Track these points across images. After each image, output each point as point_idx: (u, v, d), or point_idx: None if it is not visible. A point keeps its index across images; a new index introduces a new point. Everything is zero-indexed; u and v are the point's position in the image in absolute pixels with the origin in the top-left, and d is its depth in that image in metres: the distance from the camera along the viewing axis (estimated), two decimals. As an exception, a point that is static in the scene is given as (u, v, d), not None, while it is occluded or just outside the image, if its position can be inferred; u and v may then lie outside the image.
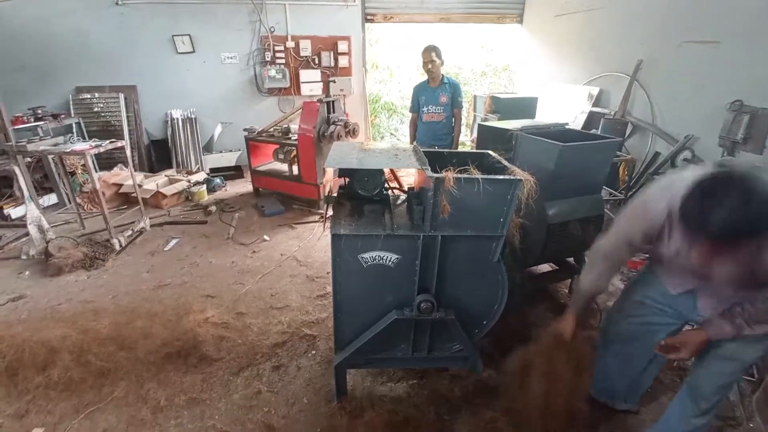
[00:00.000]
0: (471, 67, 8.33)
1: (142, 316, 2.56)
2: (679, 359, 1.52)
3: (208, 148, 5.70)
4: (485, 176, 1.54)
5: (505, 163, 1.81)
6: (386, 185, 2.05)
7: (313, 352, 2.35)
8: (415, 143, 2.85)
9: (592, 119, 4.54)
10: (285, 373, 2.19)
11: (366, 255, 1.68)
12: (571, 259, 2.82)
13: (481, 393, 1.91)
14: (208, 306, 2.71)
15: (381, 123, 8.61)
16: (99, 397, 2.00)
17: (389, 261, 1.70)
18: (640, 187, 3.68)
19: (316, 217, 4.24)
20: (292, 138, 4.38)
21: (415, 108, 3.68)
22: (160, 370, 2.17)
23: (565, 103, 4.88)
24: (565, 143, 2.19)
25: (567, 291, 2.90)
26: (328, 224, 3.94)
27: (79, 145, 3.17)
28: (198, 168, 5.35)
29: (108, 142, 3.34)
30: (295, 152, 4.40)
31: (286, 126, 4.52)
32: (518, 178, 1.57)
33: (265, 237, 3.78)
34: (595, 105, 4.54)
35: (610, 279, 1.63)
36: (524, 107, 4.57)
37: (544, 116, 4.72)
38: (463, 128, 4.18)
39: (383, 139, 8.40)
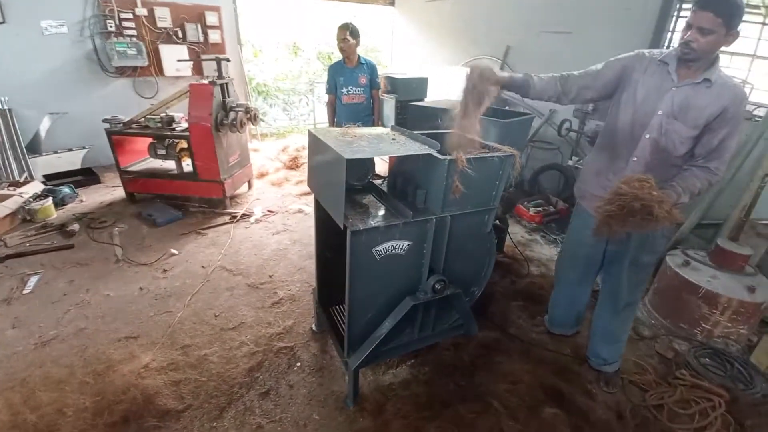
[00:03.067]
0: (342, 47, 8.27)
1: (40, 387, 1.86)
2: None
3: (34, 148, 4.23)
4: (490, 154, 1.64)
5: (479, 139, 1.93)
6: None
7: (298, 364, 2.12)
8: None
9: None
10: (278, 396, 1.93)
11: (380, 247, 1.60)
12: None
13: (486, 352, 2.07)
14: (136, 350, 2.13)
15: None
16: None
17: (401, 249, 1.66)
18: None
19: (227, 218, 3.69)
20: (178, 128, 3.64)
21: (332, 89, 3.50)
22: (109, 447, 1.64)
23: (447, 83, 5.37)
24: (503, 120, 2.46)
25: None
26: (245, 223, 3.51)
27: None
28: (26, 177, 3.94)
29: None
30: (185, 145, 3.68)
31: (164, 114, 3.71)
32: (512, 153, 1.71)
33: (173, 251, 3.11)
34: (473, 84, 5.13)
35: (544, 88, 1.73)
36: (417, 87, 4.85)
37: (432, 96, 5.11)
38: None
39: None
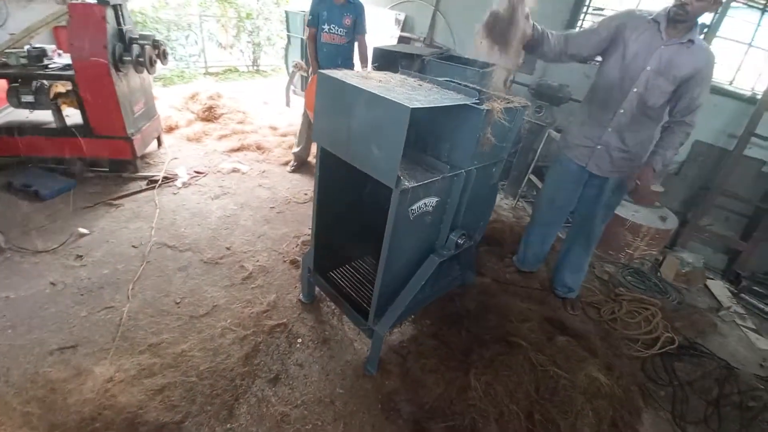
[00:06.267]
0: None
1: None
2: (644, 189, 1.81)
3: None
4: (515, 104, 1.59)
5: (478, 88, 1.86)
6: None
7: (299, 341, 1.94)
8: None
9: (401, 43, 4.95)
10: (290, 379, 1.75)
11: (415, 206, 1.48)
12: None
13: (485, 298, 2.17)
14: (81, 362, 1.66)
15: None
16: None
17: (430, 206, 1.56)
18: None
19: (143, 183, 2.99)
20: (54, 66, 2.68)
21: (315, 22, 2.95)
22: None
23: (375, 26, 5.04)
24: (481, 69, 2.42)
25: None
26: (170, 188, 2.90)
27: None
28: None
29: None
30: (62, 89, 2.75)
31: (30, 46, 2.67)
32: (526, 103, 1.69)
33: (81, 230, 2.41)
34: (403, 30, 4.93)
35: (553, 46, 1.76)
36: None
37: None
38: None
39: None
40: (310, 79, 3.02)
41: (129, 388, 1.55)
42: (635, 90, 1.79)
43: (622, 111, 1.85)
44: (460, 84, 1.61)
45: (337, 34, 2.98)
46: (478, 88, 1.81)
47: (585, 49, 1.85)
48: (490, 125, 1.50)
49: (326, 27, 2.95)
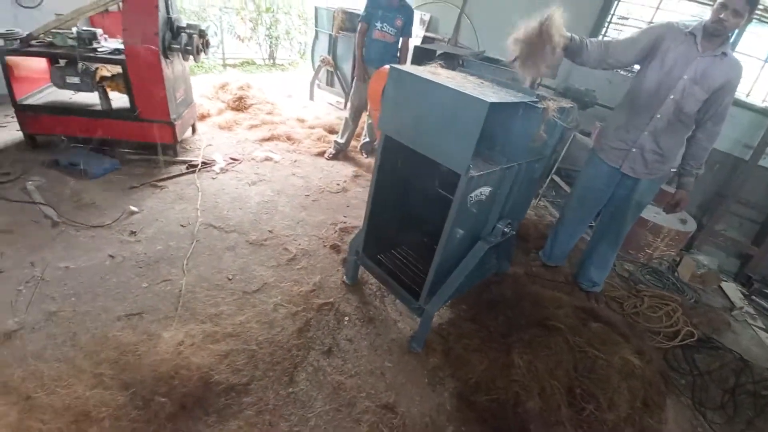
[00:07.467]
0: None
1: (35, 390, 1.42)
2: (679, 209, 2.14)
3: None
4: (571, 103, 1.71)
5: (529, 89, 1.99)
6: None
7: (347, 318, 2.05)
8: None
9: (425, 43, 5.07)
10: (341, 352, 1.86)
11: (473, 193, 1.60)
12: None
13: (519, 286, 2.29)
14: (149, 328, 1.78)
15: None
16: None
17: (483, 194, 1.68)
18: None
19: (182, 167, 3.09)
20: (102, 50, 2.78)
21: (368, 18, 3.21)
22: (179, 436, 1.40)
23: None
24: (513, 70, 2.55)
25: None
26: (209, 173, 3.01)
27: None
28: None
29: None
30: (107, 73, 2.86)
31: (78, 28, 2.76)
32: (572, 105, 1.81)
33: (132, 208, 2.51)
34: (427, 30, 5.05)
35: (592, 53, 1.88)
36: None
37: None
38: None
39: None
40: (374, 72, 3.16)
41: (198, 351, 1.66)
42: (672, 97, 1.91)
43: (659, 116, 1.97)
44: (509, 82, 1.72)
45: (388, 33, 3.20)
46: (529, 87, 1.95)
47: (626, 57, 1.97)
48: (545, 123, 1.62)
49: (379, 25, 3.18)
